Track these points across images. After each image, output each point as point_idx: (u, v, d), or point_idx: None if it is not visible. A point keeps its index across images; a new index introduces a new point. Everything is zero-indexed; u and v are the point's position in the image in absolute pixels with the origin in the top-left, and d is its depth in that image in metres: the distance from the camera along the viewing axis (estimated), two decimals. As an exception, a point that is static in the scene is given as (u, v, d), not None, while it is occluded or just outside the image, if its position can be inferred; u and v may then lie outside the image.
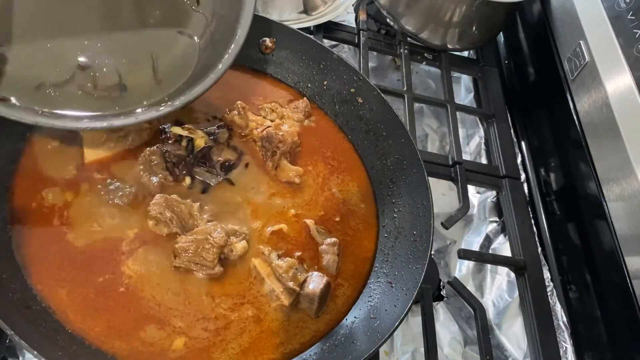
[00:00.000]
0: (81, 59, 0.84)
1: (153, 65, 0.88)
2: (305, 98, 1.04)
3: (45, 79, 0.80)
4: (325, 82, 1.05)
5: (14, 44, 0.80)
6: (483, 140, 1.28)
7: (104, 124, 0.78)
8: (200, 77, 0.85)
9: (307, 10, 1.29)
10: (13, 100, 0.75)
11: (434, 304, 0.98)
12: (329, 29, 1.30)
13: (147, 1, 0.90)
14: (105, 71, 0.85)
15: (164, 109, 0.80)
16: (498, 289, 1.05)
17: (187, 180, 0.88)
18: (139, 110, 0.81)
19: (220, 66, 0.84)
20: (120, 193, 0.83)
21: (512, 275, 1.06)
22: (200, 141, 0.91)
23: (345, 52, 1.35)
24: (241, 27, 0.87)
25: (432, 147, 1.26)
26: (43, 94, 0.79)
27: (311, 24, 1.25)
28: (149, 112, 0.80)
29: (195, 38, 0.91)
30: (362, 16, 1.35)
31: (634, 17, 0.96)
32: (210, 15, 0.91)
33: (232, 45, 0.85)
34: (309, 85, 1.06)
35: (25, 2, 0.81)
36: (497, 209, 1.17)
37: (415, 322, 0.96)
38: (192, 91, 0.82)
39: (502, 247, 1.11)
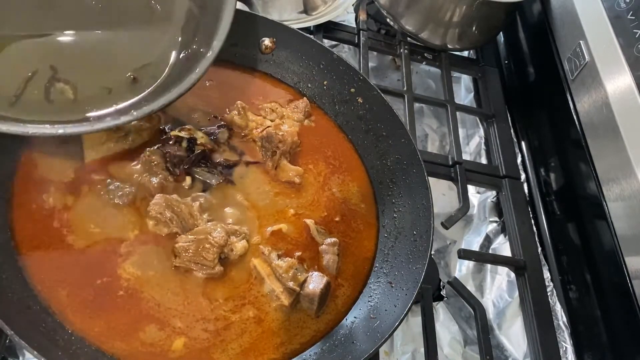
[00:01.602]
0: (51, 63, 0.81)
1: (128, 66, 0.85)
2: (305, 98, 1.04)
3: (16, 86, 0.78)
4: (325, 82, 1.05)
5: None
6: (483, 140, 1.28)
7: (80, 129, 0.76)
8: (178, 77, 0.83)
9: (307, 10, 1.29)
10: None
11: (434, 304, 0.98)
12: (329, 29, 1.30)
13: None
14: (77, 75, 0.82)
15: (135, 113, 0.78)
16: (498, 289, 1.06)
17: (187, 180, 0.88)
18: (108, 118, 0.78)
19: (200, 66, 0.83)
20: (120, 193, 0.83)
21: (512, 275, 1.06)
22: (201, 141, 0.91)
23: (345, 52, 1.34)
24: (220, 32, 0.85)
25: (432, 147, 1.26)
26: (15, 102, 0.77)
27: (311, 24, 1.25)
28: (124, 116, 0.78)
29: (175, 37, 0.89)
30: (362, 16, 1.35)
31: (634, 17, 0.96)
32: (189, 13, 0.89)
33: (215, 42, 0.84)
34: (309, 85, 1.06)
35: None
36: (497, 209, 1.17)
37: (415, 322, 0.96)
38: (170, 93, 0.80)
39: (502, 247, 1.11)
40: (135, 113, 0.78)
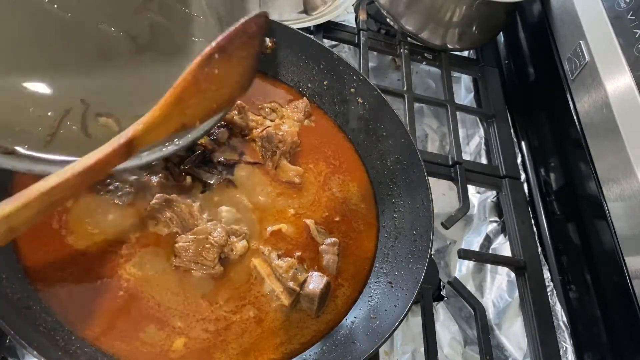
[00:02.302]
0: (81, 99, 0.78)
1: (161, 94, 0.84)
2: (305, 98, 1.04)
3: (49, 124, 0.75)
4: (325, 82, 1.05)
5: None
6: (483, 140, 1.29)
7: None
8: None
9: (307, 10, 1.30)
10: (20, 150, 0.71)
11: (434, 304, 0.98)
12: (329, 29, 1.30)
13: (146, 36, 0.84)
14: (115, 108, 0.79)
15: (170, 148, 0.77)
16: (498, 289, 1.06)
17: (188, 180, 0.88)
18: (145, 152, 0.76)
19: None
20: (120, 193, 0.83)
21: (512, 275, 1.06)
22: (201, 141, 0.91)
23: (345, 52, 1.35)
24: None
25: (432, 147, 1.26)
26: (48, 141, 0.74)
27: (311, 24, 1.25)
28: (154, 154, 0.76)
29: None
30: (362, 16, 1.35)
31: (634, 17, 0.96)
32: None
33: None
34: (309, 85, 1.06)
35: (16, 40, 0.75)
36: (497, 209, 1.17)
37: (415, 322, 0.96)
38: (201, 127, 0.79)
39: (502, 247, 1.11)
40: (180, 142, 0.78)
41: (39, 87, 0.76)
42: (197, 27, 0.87)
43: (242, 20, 0.70)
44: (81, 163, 0.60)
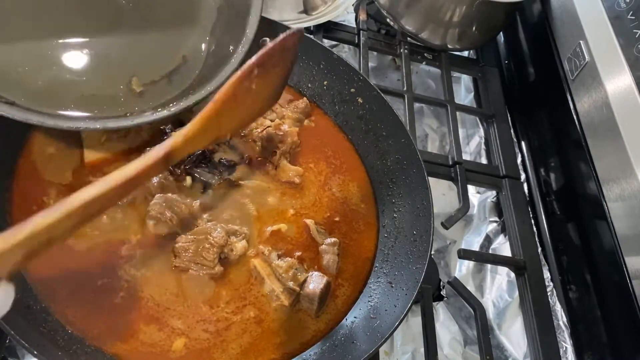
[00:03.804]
0: (88, 58, 0.84)
1: (161, 65, 0.88)
2: (305, 98, 1.04)
3: (53, 79, 0.80)
4: (325, 82, 1.05)
5: (17, 45, 0.79)
6: (483, 140, 1.29)
7: (113, 124, 0.79)
8: (209, 75, 0.85)
9: (307, 10, 1.30)
10: (20, 102, 0.75)
11: (434, 304, 0.98)
12: (329, 29, 1.30)
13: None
14: (114, 72, 0.85)
15: (173, 109, 0.81)
16: (498, 289, 1.06)
17: (188, 180, 0.88)
18: (148, 112, 0.81)
19: (232, 61, 0.86)
20: (120, 193, 0.83)
21: (512, 275, 1.06)
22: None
23: (345, 52, 1.34)
24: (250, 23, 0.88)
25: (432, 147, 1.26)
26: (52, 95, 0.79)
27: (311, 24, 1.25)
28: (158, 113, 0.81)
29: (205, 34, 0.91)
30: (362, 16, 1.35)
31: (634, 17, 0.96)
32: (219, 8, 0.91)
33: (243, 40, 0.87)
34: (309, 85, 1.06)
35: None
36: (497, 209, 1.17)
37: (415, 322, 0.96)
38: (202, 90, 0.83)
39: (502, 247, 1.11)
40: (173, 108, 0.81)
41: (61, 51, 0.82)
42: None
43: (281, 37, 0.73)
44: (121, 174, 0.60)
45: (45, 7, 0.81)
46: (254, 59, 0.70)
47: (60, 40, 0.82)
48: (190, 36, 0.91)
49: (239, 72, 0.69)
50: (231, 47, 0.87)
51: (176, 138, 0.66)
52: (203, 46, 0.91)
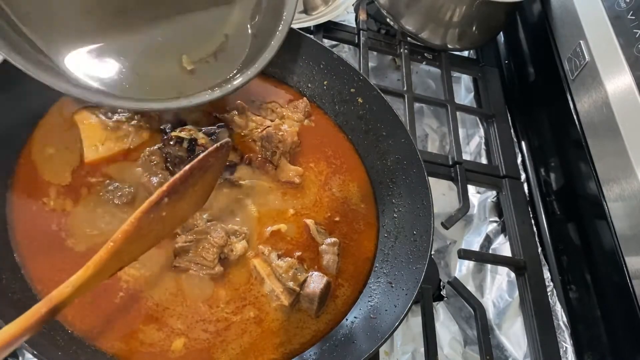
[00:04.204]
0: (139, 39, 0.86)
1: (207, 43, 0.91)
2: (305, 98, 1.04)
3: (110, 62, 0.83)
4: (325, 82, 1.05)
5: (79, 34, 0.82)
6: (483, 140, 1.29)
7: (167, 105, 0.81)
8: (254, 56, 0.89)
9: (307, 10, 1.30)
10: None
11: (434, 304, 0.98)
12: (329, 28, 1.30)
13: None
14: (163, 51, 0.87)
15: (225, 89, 0.84)
16: (498, 289, 1.06)
17: (187, 180, 0.88)
18: (204, 92, 0.84)
19: (272, 43, 0.89)
20: (120, 193, 0.83)
21: (512, 275, 1.06)
22: (201, 142, 0.91)
23: (345, 52, 1.34)
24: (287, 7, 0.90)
25: (432, 147, 1.26)
26: (110, 80, 0.81)
27: (311, 24, 1.25)
28: (214, 93, 0.84)
29: (245, 14, 0.94)
30: (362, 16, 1.35)
31: (634, 17, 0.96)
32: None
33: (281, 23, 0.89)
34: (309, 85, 1.06)
35: None
36: (497, 209, 1.17)
37: (415, 322, 0.96)
38: (248, 71, 0.87)
39: (502, 247, 1.11)
40: (225, 88, 0.85)
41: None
42: None
43: (200, 156, 0.68)
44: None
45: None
46: (164, 186, 0.64)
47: (111, 24, 0.84)
48: (231, 15, 0.93)
49: (144, 204, 0.63)
50: (271, 29, 0.90)
51: (63, 288, 0.59)
52: (245, 26, 0.94)
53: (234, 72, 0.89)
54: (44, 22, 0.78)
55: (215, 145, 0.72)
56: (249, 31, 0.94)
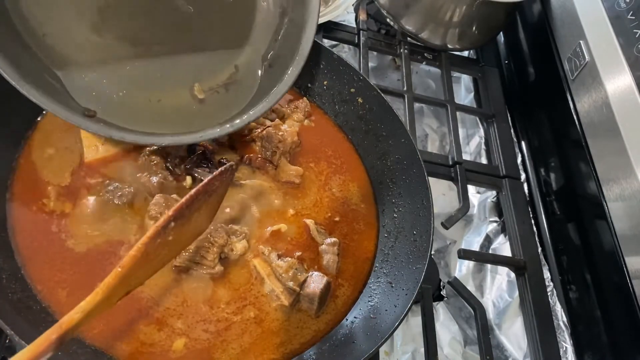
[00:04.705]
0: (154, 66, 0.86)
1: (218, 73, 0.90)
2: (305, 98, 1.04)
3: (125, 96, 0.83)
4: (325, 82, 1.05)
5: (97, 64, 0.82)
6: (483, 140, 1.29)
7: (174, 140, 0.82)
8: (265, 92, 0.88)
9: (307, 10, 1.29)
10: (98, 114, 0.78)
11: (434, 304, 0.98)
12: (329, 29, 1.30)
13: (210, 19, 0.91)
14: (177, 78, 0.87)
15: (237, 123, 0.84)
16: (498, 289, 1.06)
17: (188, 180, 0.88)
18: (214, 127, 0.84)
19: (285, 79, 0.88)
20: (120, 193, 0.83)
21: (512, 275, 1.06)
22: (201, 142, 0.91)
23: (345, 52, 1.34)
24: (304, 40, 0.90)
25: (432, 147, 1.26)
26: (124, 110, 0.82)
27: (311, 23, 1.25)
28: (223, 128, 0.84)
29: (259, 50, 0.94)
30: (362, 16, 1.35)
31: (634, 17, 0.96)
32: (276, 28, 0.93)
33: (296, 59, 0.89)
34: (309, 85, 1.06)
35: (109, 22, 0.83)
36: (497, 209, 1.17)
37: (415, 322, 0.96)
38: (259, 106, 0.87)
39: (502, 247, 1.11)
40: (235, 123, 0.85)
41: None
42: (258, 14, 0.92)
43: (205, 180, 0.69)
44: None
45: (115, 23, 0.83)
46: (170, 211, 0.65)
47: (130, 52, 0.84)
48: (244, 47, 0.93)
49: (150, 230, 0.63)
50: (285, 65, 0.89)
51: (73, 314, 0.59)
52: (257, 58, 0.93)
53: (245, 105, 0.89)
54: (60, 49, 0.79)
55: (220, 169, 0.73)
56: (263, 63, 0.93)
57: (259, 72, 0.92)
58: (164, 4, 0.86)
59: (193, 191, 0.67)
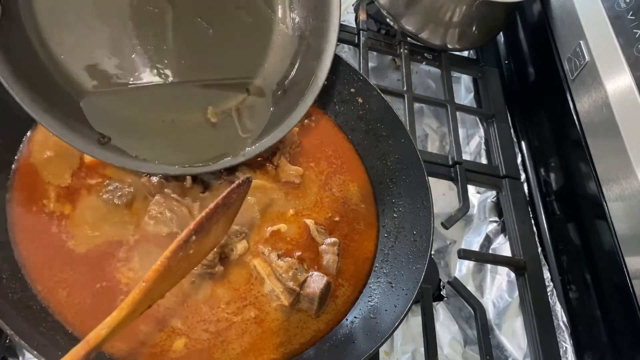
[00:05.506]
0: (168, 86, 0.85)
1: (230, 97, 0.90)
2: (305, 98, 1.04)
3: (139, 118, 0.83)
4: (325, 82, 1.05)
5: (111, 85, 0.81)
6: (483, 140, 1.29)
7: (189, 171, 0.83)
8: (279, 120, 0.89)
9: (307, 10, 1.29)
10: (113, 140, 0.79)
11: (434, 304, 0.98)
12: (329, 28, 1.30)
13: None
14: (190, 99, 0.87)
15: (249, 152, 0.85)
16: (498, 289, 1.06)
17: (188, 180, 0.88)
18: (227, 159, 0.85)
19: (299, 108, 0.88)
20: (120, 193, 0.83)
21: (512, 275, 1.06)
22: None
23: (345, 52, 1.34)
24: (320, 71, 0.89)
25: (432, 147, 1.26)
26: (138, 134, 0.82)
27: (311, 24, 1.25)
28: (234, 159, 0.86)
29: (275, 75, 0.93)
30: (362, 16, 1.35)
31: (634, 17, 0.96)
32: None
33: (311, 86, 0.89)
34: (309, 85, 1.06)
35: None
36: (497, 209, 1.17)
37: (415, 322, 0.96)
38: (272, 134, 0.87)
39: (502, 247, 1.11)
40: (246, 153, 0.86)
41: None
42: (276, 36, 0.91)
43: (224, 194, 0.71)
44: None
45: (132, 44, 0.83)
46: (191, 225, 0.67)
47: (147, 74, 0.84)
48: (259, 73, 0.92)
49: (173, 244, 0.65)
50: (300, 93, 0.89)
51: (99, 330, 0.62)
52: (271, 85, 0.92)
53: (257, 131, 0.89)
54: (76, 72, 0.78)
55: (237, 182, 0.75)
56: (278, 88, 0.92)
57: (273, 97, 0.91)
58: (184, 24, 0.85)
59: (213, 205, 0.69)
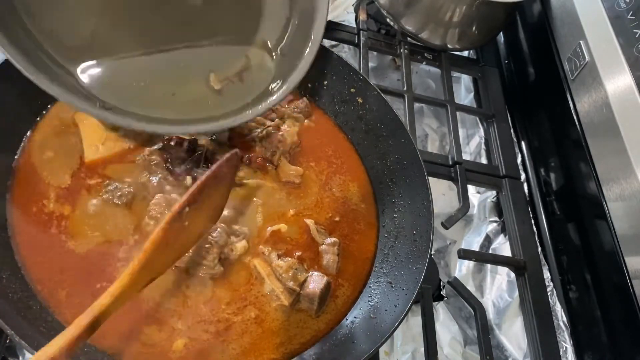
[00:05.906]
0: (168, 58, 0.85)
1: (232, 63, 0.89)
2: (305, 98, 1.04)
3: (142, 88, 0.81)
4: (325, 82, 1.05)
5: (110, 52, 0.80)
6: (483, 140, 1.28)
7: (193, 128, 0.81)
8: (281, 79, 0.88)
9: (307, 10, 1.29)
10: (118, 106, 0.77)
11: (434, 304, 0.98)
12: (329, 29, 1.30)
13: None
14: (192, 69, 0.86)
15: (251, 112, 0.83)
16: (498, 289, 1.06)
17: (188, 180, 0.88)
18: (231, 116, 0.83)
19: (299, 67, 0.87)
20: (120, 193, 0.83)
21: (512, 275, 1.06)
22: (202, 142, 0.91)
23: (345, 52, 1.34)
24: (315, 28, 0.88)
25: (432, 147, 1.26)
26: (141, 102, 0.80)
27: (311, 24, 1.25)
28: (241, 116, 0.83)
29: (272, 39, 0.92)
30: (362, 16, 1.35)
31: (634, 17, 0.96)
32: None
33: (309, 45, 0.88)
34: (309, 85, 1.06)
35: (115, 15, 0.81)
36: (497, 209, 1.17)
37: (415, 322, 0.96)
38: (273, 97, 0.86)
39: (502, 247, 1.11)
40: (251, 112, 0.84)
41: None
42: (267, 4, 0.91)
43: (214, 167, 0.73)
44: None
45: (124, 15, 0.82)
46: (184, 196, 0.68)
47: (141, 44, 0.83)
48: (255, 36, 0.91)
49: (168, 215, 0.67)
50: (299, 53, 0.89)
51: (102, 299, 0.63)
52: (269, 47, 0.91)
53: (261, 94, 0.88)
54: (69, 41, 0.77)
55: (225, 156, 0.76)
56: (275, 52, 0.91)
57: (272, 61, 0.91)
58: None
59: (204, 177, 0.71)
